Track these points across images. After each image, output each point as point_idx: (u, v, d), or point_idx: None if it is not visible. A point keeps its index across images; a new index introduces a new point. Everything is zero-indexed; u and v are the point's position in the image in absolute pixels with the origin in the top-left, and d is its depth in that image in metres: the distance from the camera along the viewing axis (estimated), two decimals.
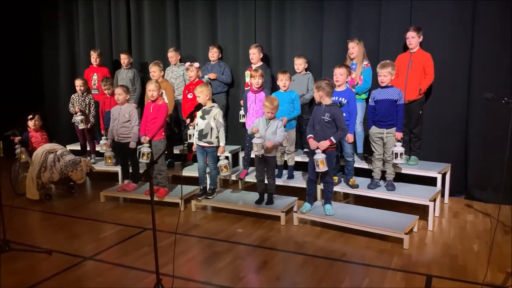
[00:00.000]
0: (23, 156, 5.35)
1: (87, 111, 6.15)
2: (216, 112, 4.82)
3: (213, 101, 5.48)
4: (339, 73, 4.65)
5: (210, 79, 5.92)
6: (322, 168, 4.18)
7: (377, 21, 5.36)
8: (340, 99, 4.65)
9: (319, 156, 4.17)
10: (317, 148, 4.19)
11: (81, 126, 6.04)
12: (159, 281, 2.92)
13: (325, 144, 4.17)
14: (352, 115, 4.65)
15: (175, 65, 6.26)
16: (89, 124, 6.15)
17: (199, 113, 4.78)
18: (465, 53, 5.01)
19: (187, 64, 5.74)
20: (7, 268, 3.57)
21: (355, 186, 4.73)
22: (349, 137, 4.64)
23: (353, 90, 4.98)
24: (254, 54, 5.68)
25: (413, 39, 4.89)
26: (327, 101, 4.23)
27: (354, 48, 5.07)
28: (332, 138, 4.17)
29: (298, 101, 5.06)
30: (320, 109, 4.26)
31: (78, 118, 6.02)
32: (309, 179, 4.48)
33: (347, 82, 4.81)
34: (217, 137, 4.83)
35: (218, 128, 4.81)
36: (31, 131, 5.60)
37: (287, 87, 5.03)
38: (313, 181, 4.46)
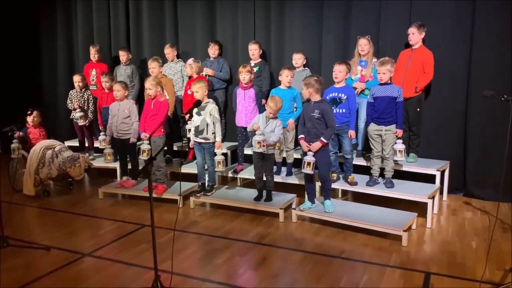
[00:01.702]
0: (16, 152, 5.28)
1: (85, 107, 6.13)
2: (212, 108, 4.81)
3: (214, 97, 5.48)
4: (338, 70, 4.65)
5: (207, 75, 5.90)
6: (308, 170, 4.18)
7: (377, 18, 5.35)
8: (340, 95, 4.65)
9: (309, 158, 4.17)
10: (309, 150, 4.19)
11: (81, 123, 6.02)
12: (157, 278, 2.93)
13: (316, 146, 4.16)
14: (352, 111, 4.65)
15: (172, 61, 6.25)
16: (88, 120, 6.13)
17: (195, 109, 4.76)
18: (465, 50, 5.00)
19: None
20: (5, 264, 3.57)
21: (354, 184, 4.73)
22: (351, 134, 4.65)
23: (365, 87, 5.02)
24: (256, 50, 5.67)
25: (413, 35, 4.87)
26: (316, 97, 4.22)
27: (366, 45, 5.04)
28: (322, 138, 4.16)
29: (299, 99, 5.07)
30: (309, 106, 4.25)
31: (77, 114, 6.00)
32: (305, 178, 4.47)
33: (347, 78, 4.82)
34: (213, 133, 4.82)
35: (215, 124, 4.81)
36: (30, 127, 5.58)
37: (290, 84, 5.05)
38: (310, 180, 4.45)
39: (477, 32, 4.91)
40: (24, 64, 7.70)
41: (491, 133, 4.90)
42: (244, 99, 5.21)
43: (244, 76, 5.10)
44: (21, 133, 5.37)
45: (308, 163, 4.16)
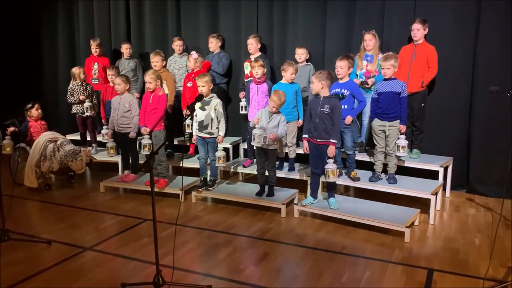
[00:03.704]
0: (7, 149, 5.15)
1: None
2: (217, 103, 4.79)
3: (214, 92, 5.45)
4: (339, 66, 4.63)
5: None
6: (332, 178, 4.13)
7: (381, 13, 5.30)
8: (343, 90, 4.62)
9: (331, 166, 4.11)
10: (328, 157, 4.14)
11: (88, 113, 5.97)
12: (158, 272, 2.92)
13: (332, 150, 4.13)
14: (361, 102, 4.64)
15: (179, 54, 6.20)
16: (94, 112, 6.09)
17: (198, 104, 4.73)
18: (469, 46, 4.96)
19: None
20: (6, 258, 3.57)
21: (357, 179, 4.71)
22: (348, 119, 4.60)
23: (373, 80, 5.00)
24: (252, 44, 5.62)
25: (418, 31, 4.83)
26: (326, 92, 4.19)
27: (371, 40, 5.01)
28: (332, 140, 4.13)
29: (300, 95, 5.05)
30: (318, 101, 4.21)
31: (86, 104, 5.93)
32: (312, 172, 4.44)
33: (352, 73, 4.78)
34: (218, 128, 4.80)
35: (219, 119, 4.78)
36: (31, 121, 5.56)
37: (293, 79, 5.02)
38: (316, 174, 4.42)
39: (481, 27, 4.87)
40: (25, 58, 7.66)
41: (495, 129, 4.87)
42: (257, 94, 5.13)
43: (256, 70, 5.03)
44: (15, 129, 5.32)
45: (332, 171, 4.12)
